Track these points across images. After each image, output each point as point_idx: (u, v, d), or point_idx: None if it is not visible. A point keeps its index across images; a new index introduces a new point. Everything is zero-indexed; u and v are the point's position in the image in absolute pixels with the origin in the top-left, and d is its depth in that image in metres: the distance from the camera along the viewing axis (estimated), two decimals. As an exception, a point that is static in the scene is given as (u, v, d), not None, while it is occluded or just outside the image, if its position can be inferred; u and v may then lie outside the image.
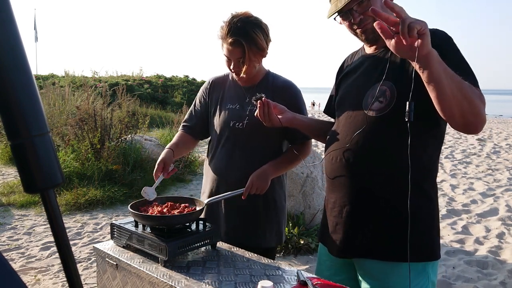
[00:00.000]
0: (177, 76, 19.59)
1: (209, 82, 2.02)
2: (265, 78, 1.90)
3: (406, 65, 1.32)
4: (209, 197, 1.88)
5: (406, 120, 1.16)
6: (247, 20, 1.73)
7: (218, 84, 1.99)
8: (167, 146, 1.92)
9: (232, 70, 1.81)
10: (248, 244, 1.79)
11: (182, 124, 2.06)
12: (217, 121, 1.91)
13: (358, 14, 1.39)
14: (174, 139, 1.99)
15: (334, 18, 1.46)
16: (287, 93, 1.86)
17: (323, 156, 1.58)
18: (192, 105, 2.07)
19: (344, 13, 1.41)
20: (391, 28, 1.10)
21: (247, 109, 1.84)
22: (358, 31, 1.43)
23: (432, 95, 1.16)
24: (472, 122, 1.18)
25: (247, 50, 1.71)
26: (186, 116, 2.07)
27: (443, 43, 1.28)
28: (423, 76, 1.14)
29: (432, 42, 1.11)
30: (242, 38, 1.69)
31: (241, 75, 1.79)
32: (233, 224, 1.86)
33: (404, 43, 1.08)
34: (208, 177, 1.96)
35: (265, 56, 1.83)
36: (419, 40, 1.06)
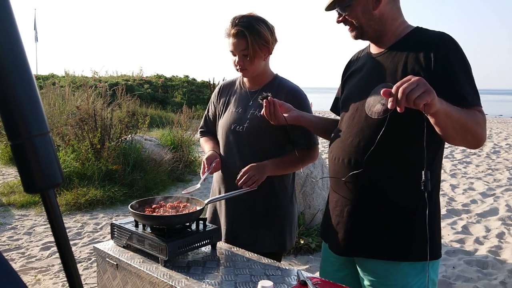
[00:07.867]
0: (177, 76, 19.57)
1: (219, 87, 2.05)
2: (271, 82, 1.89)
3: (409, 69, 1.33)
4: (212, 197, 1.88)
5: (422, 189, 1.17)
6: (251, 16, 1.77)
7: (226, 88, 2.01)
8: (209, 150, 1.93)
9: (237, 66, 1.80)
10: (246, 249, 1.74)
11: (199, 131, 2.13)
12: (221, 124, 1.92)
13: (341, 15, 1.44)
14: (208, 144, 2.00)
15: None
16: (291, 99, 1.79)
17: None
18: (206, 110, 2.11)
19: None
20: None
21: (249, 112, 1.84)
22: (346, 27, 1.48)
23: (437, 130, 1.25)
24: (473, 146, 1.30)
25: (251, 40, 1.72)
26: (202, 122, 2.13)
27: (451, 55, 1.30)
28: (430, 120, 1.21)
29: (441, 49, 1.14)
30: (245, 28, 1.72)
31: (246, 69, 1.78)
32: (232, 229, 1.84)
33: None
34: (215, 177, 1.98)
35: (270, 53, 1.83)
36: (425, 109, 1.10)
